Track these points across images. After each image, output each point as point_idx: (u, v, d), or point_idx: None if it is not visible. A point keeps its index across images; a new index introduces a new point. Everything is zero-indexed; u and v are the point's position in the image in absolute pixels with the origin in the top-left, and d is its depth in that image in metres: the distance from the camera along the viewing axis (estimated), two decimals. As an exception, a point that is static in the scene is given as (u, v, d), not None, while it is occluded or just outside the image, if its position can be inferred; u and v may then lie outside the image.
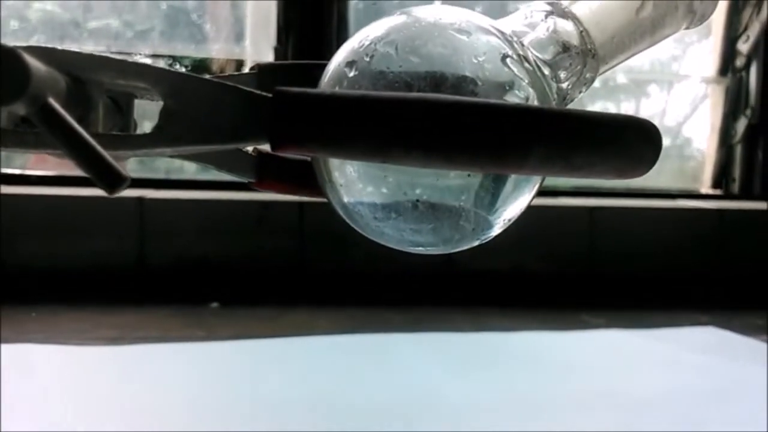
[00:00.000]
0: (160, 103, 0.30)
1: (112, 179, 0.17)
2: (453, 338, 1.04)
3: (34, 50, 0.19)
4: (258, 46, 1.54)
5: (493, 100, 0.21)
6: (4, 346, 0.93)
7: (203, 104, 0.21)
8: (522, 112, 0.20)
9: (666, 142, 1.65)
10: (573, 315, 1.19)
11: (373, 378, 0.85)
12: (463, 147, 0.20)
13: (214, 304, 1.18)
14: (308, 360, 0.92)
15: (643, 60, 1.82)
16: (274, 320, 1.10)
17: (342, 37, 1.43)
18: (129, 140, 0.21)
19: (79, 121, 0.18)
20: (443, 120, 0.19)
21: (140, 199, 1.24)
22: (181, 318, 1.10)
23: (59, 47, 0.20)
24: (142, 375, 0.85)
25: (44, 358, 0.89)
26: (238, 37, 1.60)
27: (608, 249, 1.36)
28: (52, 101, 0.17)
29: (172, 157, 0.29)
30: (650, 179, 1.78)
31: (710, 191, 1.65)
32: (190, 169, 1.58)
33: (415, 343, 1.01)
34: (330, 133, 0.20)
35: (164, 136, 0.21)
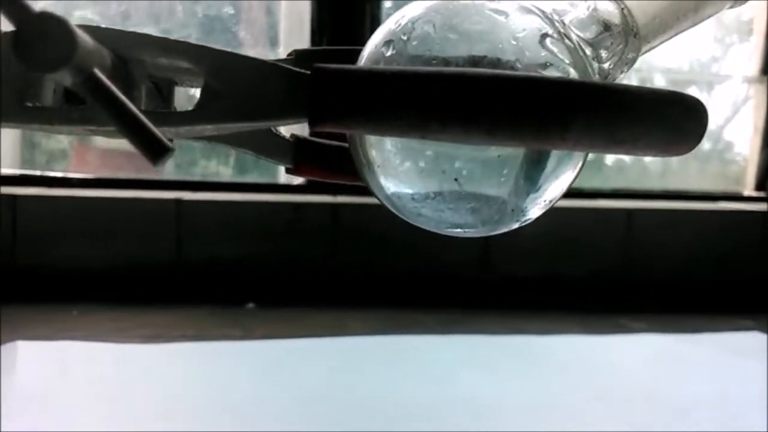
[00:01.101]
0: (198, 90, 0.30)
1: (158, 149, 0.17)
2: (488, 341, 1.02)
3: (80, 27, 0.19)
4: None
5: (531, 74, 0.21)
6: (46, 343, 0.95)
7: (244, 82, 0.21)
8: (562, 84, 0.20)
9: (706, 145, 1.60)
10: (611, 319, 1.17)
11: (405, 379, 0.84)
12: (502, 120, 0.19)
13: (250, 305, 1.19)
14: (341, 360, 0.92)
15: (682, 61, 1.79)
16: (308, 320, 1.10)
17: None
18: (171, 117, 0.21)
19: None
20: (482, 93, 0.19)
21: (178, 201, 1.26)
22: (218, 318, 1.11)
23: (103, 26, 0.21)
24: (179, 372, 0.86)
25: (85, 355, 0.91)
26: (273, 41, 1.62)
27: (647, 252, 1.33)
28: (98, 72, 0.17)
29: (211, 141, 0.29)
30: (691, 181, 1.74)
31: (753, 193, 1.60)
32: (225, 173, 1.60)
33: (448, 345, 1.01)
34: (368, 108, 0.20)
35: (206, 113, 0.21)
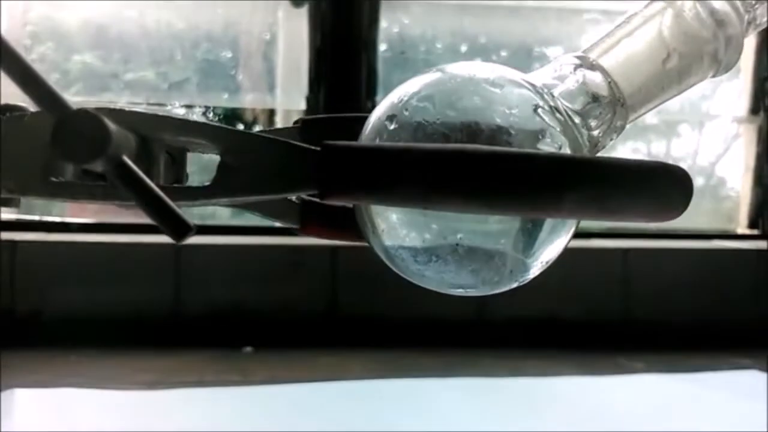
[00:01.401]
0: (211, 156, 0.32)
1: (181, 228, 0.18)
2: (487, 383, 1.03)
3: (106, 111, 0.20)
4: (289, 96, 1.59)
5: (527, 150, 0.23)
6: (45, 390, 0.95)
7: (257, 158, 0.22)
8: (555, 160, 0.22)
9: (699, 181, 1.62)
10: (609, 359, 1.17)
11: (406, 422, 0.84)
12: (500, 193, 0.21)
13: (248, 349, 1.19)
14: (341, 404, 0.92)
15: (672, 100, 1.83)
16: (308, 364, 1.10)
17: (372, 85, 1.47)
18: (189, 192, 0.22)
19: (145, 175, 0.20)
20: (481, 168, 0.20)
21: (176, 245, 1.27)
22: (217, 362, 1.11)
23: (126, 108, 0.22)
24: (179, 418, 0.86)
25: (84, 402, 0.91)
26: (270, 86, 1.65)
27: (643, 291, 1.34)
28: (126, 159, 0.18)
29: (223, 206, 0.30)
30: (685, 220, 1.76)
31: (747, 231, 1.62)
32: (223, 215, 1.62)
33: (448, 388, 1.01)
34: (375, 182, 0.21)
35: (222, 188, 0.22)
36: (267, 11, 1.62)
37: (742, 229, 1.63)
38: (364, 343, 1.21)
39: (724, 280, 1.38)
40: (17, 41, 1.61)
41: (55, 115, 0.18)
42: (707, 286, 1.37)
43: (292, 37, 1.56)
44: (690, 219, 1.70)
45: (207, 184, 0.23)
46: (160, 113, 0.22)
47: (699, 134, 1.85)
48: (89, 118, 0.17)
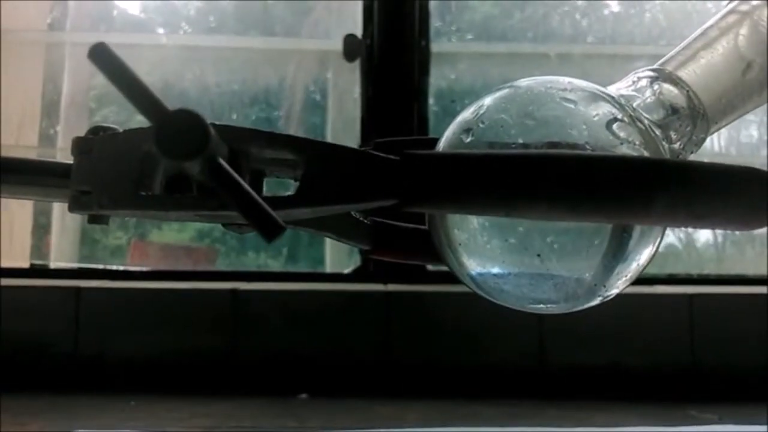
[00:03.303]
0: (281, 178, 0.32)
1: (273, 228, 0.19)
2: (550, 433, 0.99)
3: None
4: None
5: (613, 154, 0.22)
6: (105, 433, 0.96)
7: (340, 169, 0.23)
8: (644, 163, 0.21)
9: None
10: (678, 409, 1.11)
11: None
12: (586, 197, 0.20)
13: (303, 395, 1.18)
14: (400, 452, 0.90)
15: (728, 145, 1.78)
16: (363, 412, 1.08)
17: (422, 135, 1.48)
18: (272, 202, 0.23)
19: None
20: (567, 171, 0.20)
21: (233, 291, 1.29)
22: (272, 408, 1.10)
23: (215, 122, 0.23)
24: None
25: (143, 445, 0.91)
26: (322, 139, 1.68)
27: (710, 338, 1.28)
28: (222, 161, 0.19)
29: (297, 226, 0.31)
30: (749, 265, 1.69)
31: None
32: (274, 266, 1.63)
33: (509, 437, 0.97)
34: (456, 189, 0.21)
35: (305, 198, 0.23)
36: (319, 67, 1.68)
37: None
38: (420, 391, 1.18)
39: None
40: (83, 104, 1.71)
41: (157, 117, 0.18)
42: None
43: (343, 90, 1.61)
44: (753, 264, 1.63)
45: (291, 194, 0.23)
46: (248, 127, 0.23)
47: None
48: (190, 116, 0.18)
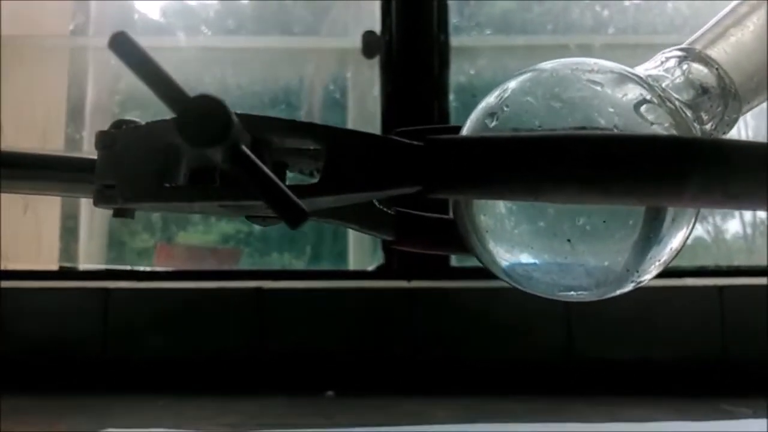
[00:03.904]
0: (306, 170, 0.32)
1: (297, 214, 0.18)
2: (580, 429, 0.97)
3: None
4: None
5: (644, 134, 0.22)
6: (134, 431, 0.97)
7: (363, 156, 0.22)
8: (676, 142, 0.21)
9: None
10: (710, 403, 1.09)
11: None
12: (618, 178, 0.20)
13: (330, 393, 1.18)
14: (426, 449, 0.89)
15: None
16: (391, 409, 1.08)
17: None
18: (296, 190, 0.23)
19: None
20: (597, 152, 0.20)
21: (258, 290, 1.29)
22: (299, 406, 1.10)
23: (236, 111, 0.23)
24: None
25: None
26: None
27: (742, 331, 1.26)
28: (245, 148, 0.19)
29: (320, 218, 0.31)
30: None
31: None
32: (298, 265, 1.64)
33: (538, 433, 0.96)
34: (482, 173, 0.21)
35: (329, 185, 0.22)
36: (337, 63, 1.68)
37: None
38: (447, 388, 1.18)
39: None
40: (107, 109, 1.73)
41: (179, 104, 0.18)
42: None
43: (363, 87, 1.60)
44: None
45: (314, 182, 0.23)
46: (269, 116, 0.23)
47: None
48: (212, 101, 0.18)
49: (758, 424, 1.02)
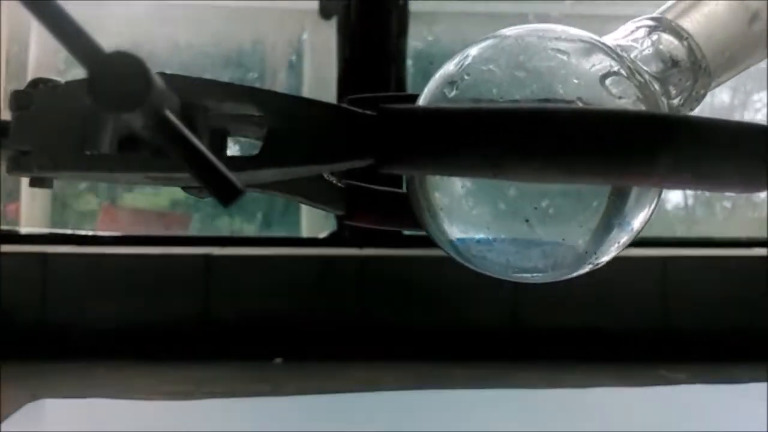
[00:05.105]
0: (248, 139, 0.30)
1: (230, 191, 0.16)
2: (524, 395, 0.99)
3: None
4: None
5: (612, 108, 0.20)
6: (73, 400, 0.94)
7: (308, 124, 0.20)
8: (645, 118, 0.19)
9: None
10: (650, 370, 1.13)
11: (443, 436, 0.81)
12: (582, 156, 0.18)
13: (278, 360, 1.17)
14: (373, 416, 0.89)
15: (701, 110, 1.78)
16: (338, 375, 1.08)
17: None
18: (235, 162, 0.20)
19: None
20: (563, 126, 0.18)
21: (206, 257, 1.26)
22: (246, 373, 1.09)
23: (167, 72, 0.21)
24: (208, 429, 0.84)
25: (112, 412, 0.90)
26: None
27: (683, 301, 1.30)
28: (169, 113, 0.16)
29: (266, 189, 0.28)
30: (721, 228, 1.70)
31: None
32: (249, 230, 1.61)
33: (484, 400, 0.97)
34: (439, 147, 0.19)
35: (271, 158, 0.20)
36: (294, 25, 1.62)
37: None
38: (394, 355, 1.18)
39: (764, 287, 1.33)
40: (51, 66, 1.64)
41: (91, 61, 0.16)
42: (748, 296, 1.32)
43: (319, 50, 1.56)
44: (726, 227, 1.65)
45: (255, 154, 0.21)
46: (204, 78, 0.21)
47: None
48: (129, 59, 0.16)
49: (691, 389, 1.06)
